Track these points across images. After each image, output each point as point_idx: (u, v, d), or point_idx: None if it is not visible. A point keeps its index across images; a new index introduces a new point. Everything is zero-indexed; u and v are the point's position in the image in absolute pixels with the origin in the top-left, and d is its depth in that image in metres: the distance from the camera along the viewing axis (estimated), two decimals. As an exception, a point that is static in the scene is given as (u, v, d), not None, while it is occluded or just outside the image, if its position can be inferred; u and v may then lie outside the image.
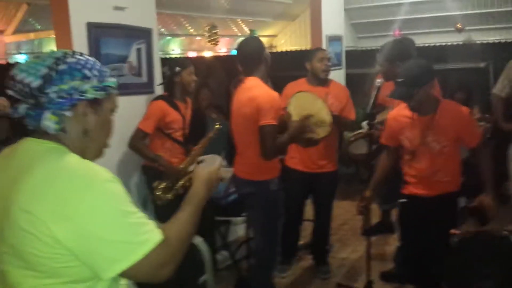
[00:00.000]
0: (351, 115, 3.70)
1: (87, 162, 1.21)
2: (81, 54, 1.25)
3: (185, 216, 1.32)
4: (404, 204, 2.99)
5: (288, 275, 3.84)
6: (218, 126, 3.41)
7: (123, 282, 1.29)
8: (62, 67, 1.19)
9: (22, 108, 1.19)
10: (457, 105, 2.86)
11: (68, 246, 1.10)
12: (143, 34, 3.54)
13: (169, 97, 3.46)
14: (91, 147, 1.30)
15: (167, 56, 4.78)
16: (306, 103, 3.11)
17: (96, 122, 1.27)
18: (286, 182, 3.18)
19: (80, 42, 3.12)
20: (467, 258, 1.07)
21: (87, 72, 1.22)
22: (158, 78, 3.69)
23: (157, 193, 3.20)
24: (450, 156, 2.81)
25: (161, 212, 3.27)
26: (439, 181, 2.82)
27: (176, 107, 3.46)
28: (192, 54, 4.66)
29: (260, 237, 2.97)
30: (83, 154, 1.26)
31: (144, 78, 3.57)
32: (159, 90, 3.70)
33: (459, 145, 2.83)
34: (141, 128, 3.34)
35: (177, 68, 3.44)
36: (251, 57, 2.82)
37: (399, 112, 2.90)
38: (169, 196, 3.16)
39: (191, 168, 3.28)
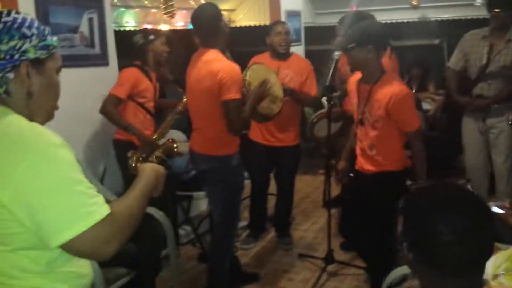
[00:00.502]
0: (312, 90, 3.67)
1: (33, 124, 1.16)
2: (17, 13, 1.19)
3: (134, 195, 1.27)
4: (351, 179, 3.00)
5: (251, 247, 3.87)
6: (185, 99, 3.32)
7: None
8: None
9: None
10: (399, 85, 2.64)
11: (12, 210, 1.08)
12: (95, 3, 3.38)
13: (141, 66, 3.34)
14: (38, 110, 1.24)
15: (121, 29, 4.59)
16: (261, 75, 3.04)
17: (40, 83, 1.21)
18: (249, 155, 3.16)
19: (27, 11, 2.95)
20: (424, 205, 1.04)
21: (26, 30, 1.16)
22: (112, 49, 3.55)
23: (133, 164, 3.12)
24: (384, 134, 2.67)
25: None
26: (376, 158, 2.73)
27: (149, 76, 3.36)
28: (147, 27, 4.51)
29: (220, 212, 2.94)
30: (31, 118, 1.20)
31: (97, 49, 3.42)
32: (113, 62, 3.56)
33: (395, 126, 2.66)
34: (114, 93, 3.19)
35: (151, 36, 3.35)
36: (207, 26, 2.70)
37: (355, 77, 2.84)
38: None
39: (162, 141, 3.26)
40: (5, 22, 1.15)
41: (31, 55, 1.17)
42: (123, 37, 3.85)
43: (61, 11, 3.17)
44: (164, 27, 4.97)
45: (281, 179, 3.88)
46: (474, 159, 3.67)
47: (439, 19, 6.40)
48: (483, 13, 5.28)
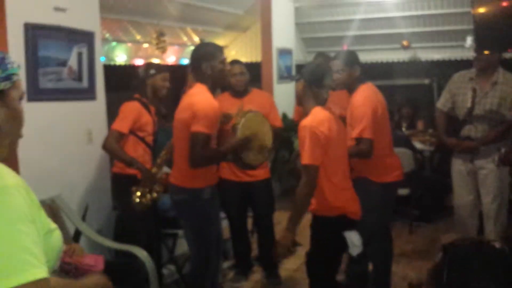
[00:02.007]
0: (277, 121, 3.72)
1: None
2: None
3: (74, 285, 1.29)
4: None
5: (241, 286, 3.78)
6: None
7: None
8: None
9: None
10: (310, 116, 2.50)
11: None
12: (85, 38, 3.38)
13: (140, 99, 3.32)
14: (5, 141, 1.18)
15: (112, 63, 4.60)
16: (254, 124, 3.05)
17: (5, 114, 1.15)
18: (222, 194, 3.17)
19: (16, 43, 2.95)
20: (465, 271, 1.14)
21: None
22: (100, 84, 3.53)
23: (136, 199, 3.11)
24: None
25: (125, 222, 3.29)
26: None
27: (148, 109, 3.33)
28: (139, 61, 4.53)
29: (192, 245, 2.93)
30: None
31: (84, 84, 3.39)
32: (100, 96, 3.54)
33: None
34: (117, 129, 3.15)
35: (152, 71, 3.34)
36: (195, 64, 2.78)
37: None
38: (147, 201, 3.14)
39: (159, 174, 3.23)
40: None
41: None
42: (113, 71, 3.85)
43: (51, 44, 3.16)
44: (155, 61, 4.99)
45: (259, 216, 3.84)
46: (462, 199, 3.67)
47: (430, 59, 6.50)
48: (472, 54, 5.37)
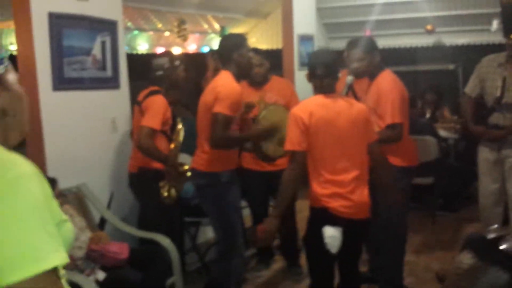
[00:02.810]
0: None
1: (2, 151, 1.07)
2: None
3: None
4: None
5: (262, 275, 3.78)
6: (180, 127, 3.22)
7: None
8: None
9: None
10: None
11: None
12: (108, 27, 3.39)
13: (162, 92, 3.23)
14: (14, 127, 1.16)
15: (134, 52, 4.62)
16: (275, 117, 3.04)
17: (10, 97, 1.15)
18: (244, 183, 3.17)
19: (41, 33, 2.98)
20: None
21: None
22: (123, 73, 3.55)
23: (164, 193, 3.10)
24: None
25: (149, 210, 3.26)
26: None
27: (169, 101, 3.28)
28: (160, 49, 4.54)
29: (218, 231, 2.96)
30: (5, 139, 1.13)
31: (108, 73, 3.41)
32: (124, 85, 3.56)
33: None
34: (150, 125, 3.04)
35: (177, 62, 3.32)
36: (226, 52, 2.83)
37: None
38: (173, 193, 3.12)
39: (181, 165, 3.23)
40: None
41: None
42: (135, 60, 3.86)
43: (75, 34, 3.18)
44: (177, 50, 4.99)
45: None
46: (487, 187, 3.61)
47: (454, 44, 6.35)
48: (498, 38, 5.23)
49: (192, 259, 3.80)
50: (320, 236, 2.39)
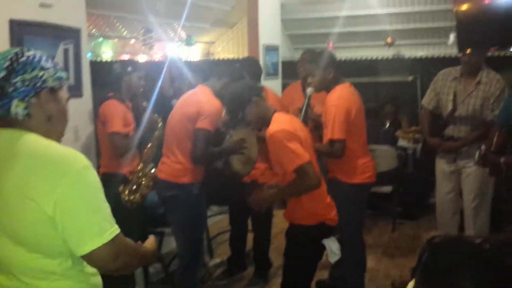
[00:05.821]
0: None
1: (64, 146, 1.35)
2: (30, 50, 1.41)
3: (140, 250, 1.59)
4: None
5: (223, 283, 3.74)
6: (160, 124, 3.25)
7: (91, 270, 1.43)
8: (22, 59, 1.36)
9: None
10: (273, 125, 2.45)
11: (56, 221, 1.27)
12: (72, 34, 3.34)
13: (115, 96, 3.23)
14: (53, 132, 1.42)
15: (98, 59, 4.57)
16: (240, 135, 3.04)
17: (57, 109, 1.42)
18: (228, 189, 3.17)
19: (2, 40, 2.90)
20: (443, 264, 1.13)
21: (44, 63, 1.38)
22: (86, 80, 3.50)
23: (125, 198, 3.06)
24: (286, 180, 2.48)
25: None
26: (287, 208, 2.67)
27: (126, 105, 3.27)
28: (125, 57, 4.51)
29: (183, 242, 2.97)
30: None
31: (71, 80, 3.36)
32: (87, 93, 3.51)
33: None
34: (118, 130, 3.05)
35: (129, 68, 3.29)
36: (233, 103, 2.59)
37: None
38: (137, 197, 3.09)
39: (148, 168, 3.21)
40: (28, 56, 1.37)
41: (50, 84, 1.38)
42: (99, 67, 3.82)
43: (37, 41, 3.11)
44: (142, 57, 4.96)
45: (257, 214, 3.81)
46: (443, 196, 3.71)
47: (413, 56, 6.58)
48: (455, 51, 5.44)
49: (155, 269, 3.77)
50: (318, 252, 2.47)
